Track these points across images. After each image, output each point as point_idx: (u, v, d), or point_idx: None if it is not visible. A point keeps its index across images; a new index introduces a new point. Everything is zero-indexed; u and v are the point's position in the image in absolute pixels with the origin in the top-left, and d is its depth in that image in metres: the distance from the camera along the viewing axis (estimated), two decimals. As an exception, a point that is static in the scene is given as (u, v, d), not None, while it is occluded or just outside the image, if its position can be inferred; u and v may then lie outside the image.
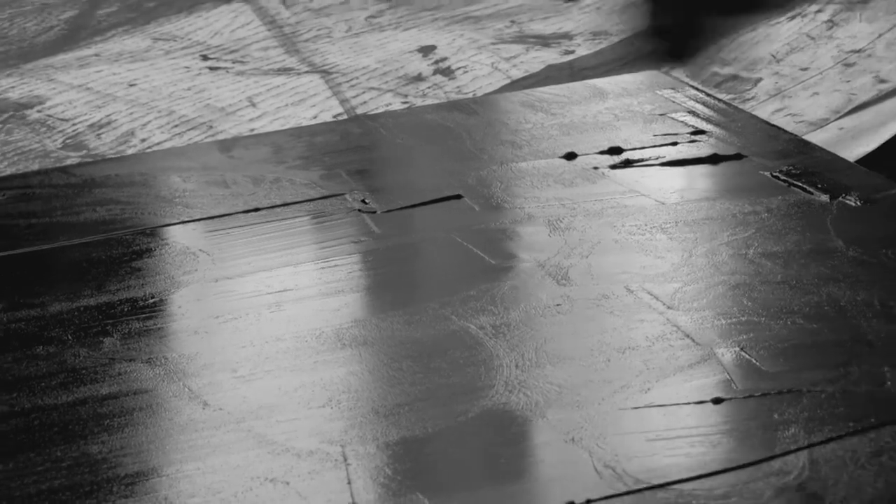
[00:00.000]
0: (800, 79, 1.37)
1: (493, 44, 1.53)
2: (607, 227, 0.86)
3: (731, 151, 0.95)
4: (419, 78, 1.46)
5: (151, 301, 0.81)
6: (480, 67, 1.46)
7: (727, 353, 0.72)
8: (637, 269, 0.81)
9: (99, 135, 1.38)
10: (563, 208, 0.89)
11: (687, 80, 1.23)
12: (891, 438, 0.65)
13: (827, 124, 1.23)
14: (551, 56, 1.49)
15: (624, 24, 1.58)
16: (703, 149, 0.96)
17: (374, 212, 0.90)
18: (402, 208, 0.91)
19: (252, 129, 1.36)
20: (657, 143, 0.98)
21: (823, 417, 0.66)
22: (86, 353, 0.76)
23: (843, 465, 0.63)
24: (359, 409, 0.70)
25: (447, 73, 1.46)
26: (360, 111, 1.38)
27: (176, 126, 1.38)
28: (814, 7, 1.51)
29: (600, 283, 0.80)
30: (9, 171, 1.29)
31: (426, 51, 1.53)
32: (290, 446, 0.67)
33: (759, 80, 1.38)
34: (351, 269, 0.84)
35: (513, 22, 1.60)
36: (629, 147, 0.97)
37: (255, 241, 0.88)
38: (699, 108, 1.03)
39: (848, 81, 1.33)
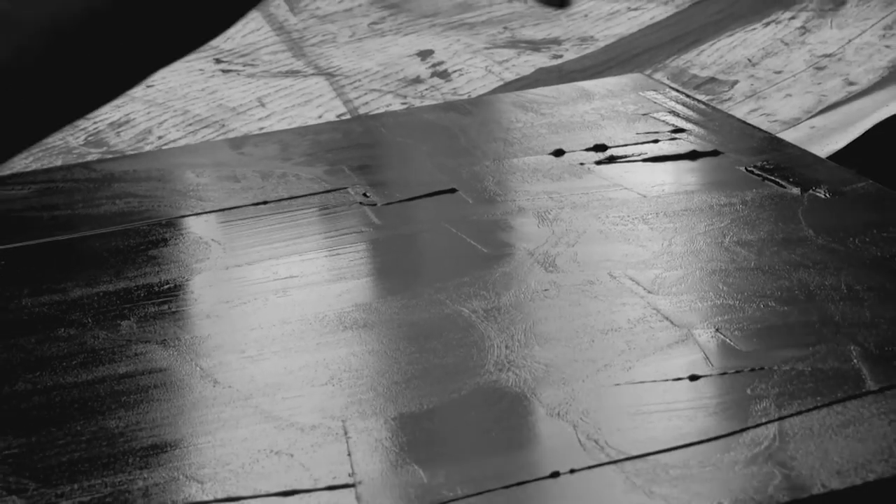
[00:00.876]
0: (774, 81, 1.37)
1: (486, 48, 1.53)
2: (592, 219, 0.86)
3: (709, 148, 0.95)
4: (418, 80, 1.46)
5: (166, 287, 0.81)
6: (475, 70, 1.46)
7: (704, 334, 0.72)
8: (620, 257, 0.81)
9: (118, 132, 1.38)
10: (552, 201, 0.89)
11: (668, 82, 1.23)
12: (856, 412, 0.65)
13: (799, 123, 1.23)
14: (541, 60, 1.49)
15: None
16: (682, 146, 0.96)
17: (375, 204, 0.90)
18: (400, 201, 0.91)
19: (261, 128, 1.36)
20: (640, 141, 0.98)
21: (793, 392, 0.66)
22: (104, 335, 0.76)
23: (811, 436, 0.63)
24: (359, 387, 0.70)
25: (444, 75, 1.47)
26: (362, 111, 1.38)
27: (190, 125, 1.38)
28: (788, 14, 1.51)
29: (585, 269, 0.80)
30: (34, 167, 1.29)
31: (424, 55, 1.53)
32: (294, 421, 0.67)
33: (736, 82, 1.38)
34: (353, 258, 0.84)
35: (505, 28, 1.60)
36: (613, 144, 0.97)
37: (264, 231, 0.88)
38: (679, 108, 1.03)
39: (819, 84, 1.33)
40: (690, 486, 0.60)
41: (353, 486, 0.61)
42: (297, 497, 0.61)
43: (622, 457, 0.62)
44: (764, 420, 0.64)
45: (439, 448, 0.64)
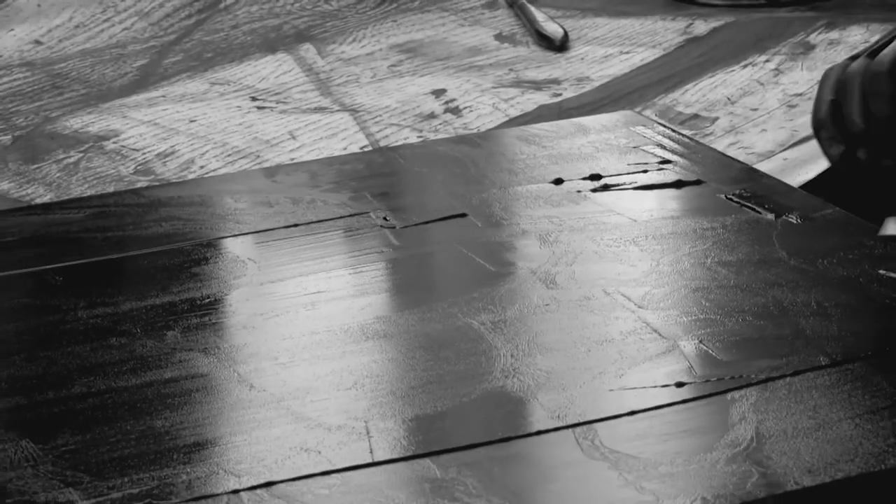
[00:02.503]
0: (750, 118, 1.37)
1: (493, 88, 1.53)
2: (588, 241, 0.86)
3: (693, 178, 0.95)
4: (432, 116, 1.46)
5: (207, 300, 0.81)
6: (483, 107, 1.46)
7: (688, 345, 0.72)
8: (613, 276, 0.81)
9: (164, 162, 1.38)
10: (552, 225, 0.89)
11: (656, 118, 1.23)
12: (825, 416, 0.65)
13: (773, 156, 1.23)
14: (542, 98, 1.49)
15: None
16: (669, 175, 0.96)
17: (394, 227, 0.90)
18: (417, 224, 0.91)
19: (292, 158, 1.36)
20: (631, 171, 0.98)
21: (768, 398, 0.66)
22: (152, 344, 0.76)
23: (785, 438, 0.63)
24: (380, 391, 0.70)
25: (455, 112, 1.47)
26: (382, 143, 1.38)
27: (229, 155, 1.38)
28: (763, 57, 1.51)
29: (582, 286, 0.80)
30: (89, 193, 1.29)
31: (438, 93, 1.53)
32: (322, 422, 0.67)
33: (717, 118, 1.37)
34: (374, 275, 0.84)
35: (511, 70, 1.60)
36: (607, 174, 0.97)
37: (294, 251, 0.88)
38: (666, 141, 1.03)
39: (791, 120, 1.33)
40: (676, 483, 0.60)
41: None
42: (323, 477, 0.61)
43: (615, 456, 0.62)
44: (742, 423, 0.64)
45: (451, 445, 0.64)
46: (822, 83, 0.80)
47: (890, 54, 0.75)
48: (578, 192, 0.94)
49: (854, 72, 0.77)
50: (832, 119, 0.78)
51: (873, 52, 0.78)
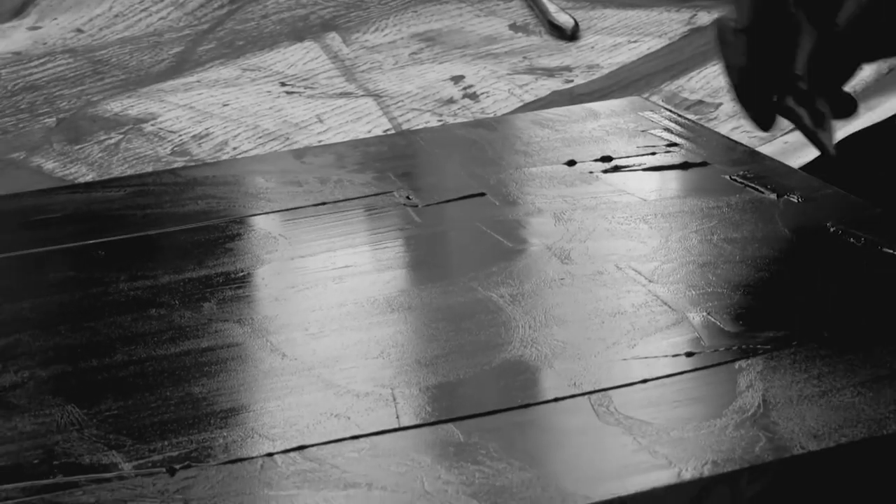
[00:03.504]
0: (752, 103, 1.36)
1: (509, 74, 1.52)
2: (600, 219, 0.85)
3: (699, 160, 0.94)
4: (451, 101, 1.45)
5: (241, 274, 0.81)
6: (499, 93, 1.46)
7: (696, 317, 0.71)
8: (624, 252, 0.80)
9: (199, 144, 1.38)
10: (566, 204, 0.88)
11: (663, 104, 1.22)
12: (829, 384, 0.64)
13: (774, 139, 1.22)
14: (555, 84, 1.48)
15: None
16: (676, 158, 0.95)
17: (416, 206, 0.89)
18: (437, 203, 0.90)
19: (320, 141, 1.35)
20: (640, 153, 0.97)
21: (774, 367, 0.66)
22: (189, 315, 0.75)
23: (790, 404, 0.62)
24: (405, 360, 0.69)
25: (473, 97, 1.46)
26: (404, 127, 1.37)
27: (260, 138, 1.38)
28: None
29: (595, 262, 0.79)
30: (129, 172, 1.29)
31: (456, 80, 1.52)
32: (350, 389, 0.66)
33: (720, 104, 1.36)
34: (398, 251, 0.83)
35: (525, 58, 1.60)
36: (617, 156, 0.96)
37: (322, 228, 0.87)
38: (672, 125, 1.02)
39: (790, 105, 1.31)
40: (687, 447, 0.59)
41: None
42: (352, 441, 0.61)
43: (629, 421, 0.62)
44: (749, 391, 0.64)
45: (472, 411, 0.64)
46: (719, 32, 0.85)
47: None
48: (590, 172, 0.93)
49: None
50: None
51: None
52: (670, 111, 1.06)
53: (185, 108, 1.47)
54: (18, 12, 1.86)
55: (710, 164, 0.94)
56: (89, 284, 0.80)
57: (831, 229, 0.81)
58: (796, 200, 0.86)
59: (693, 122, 1.05)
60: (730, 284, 0.75)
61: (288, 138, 1.38)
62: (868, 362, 0.65)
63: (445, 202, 0.90)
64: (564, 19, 1.67)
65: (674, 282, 0.76)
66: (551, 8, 1.72)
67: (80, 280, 0.81)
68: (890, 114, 1.21)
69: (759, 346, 0.68)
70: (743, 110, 0.87)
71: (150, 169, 1.28)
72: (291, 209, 0.90)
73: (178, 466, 0.60)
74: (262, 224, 0.89)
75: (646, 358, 0.67)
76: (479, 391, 0.66)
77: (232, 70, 1.60)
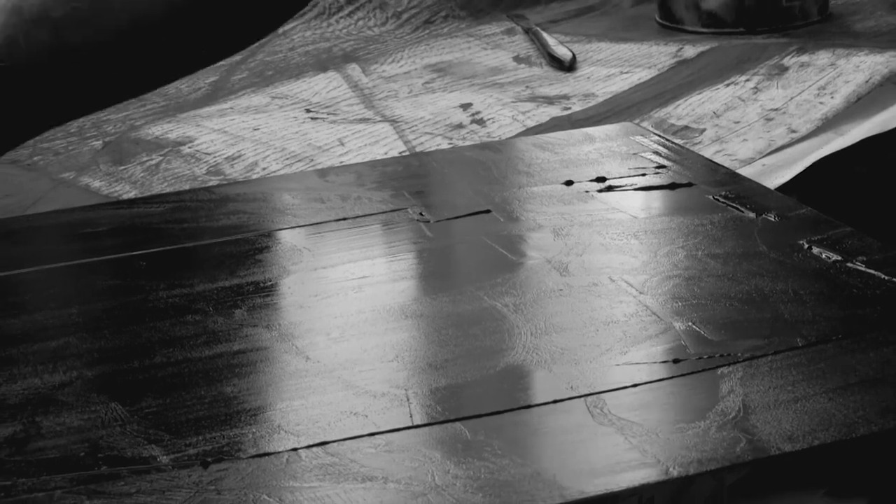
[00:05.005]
0: (733, 129, 1.36)
1: (513, 102, 1.51)
2: (595, 234, 0.85)
3: (685, 181, 0.94)
4: (460, 126, 1.44)
5: (269, 283, 0.80)
6: (504, 119, 1.45)
7: (682, 326, 0.71)
8: (617, 265, 0.80)
9: (232, 164, 1.37)
10: (564, 220, 0.87)
11: (652, 129, 1.22)
12: (803, 391, 0.63)
13: (753, 162, 1.21)
14: (555, 111, 1.47)
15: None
16: (664, 178, 0.95)
17: (428, 221, 0.89)
18: (447, 219, 0.90)
19: (341, 162, 1.35)
20: (631, 174, 0.96)
21: (753, 374, 0.65)
22: (222, 321, 0.75)
23: (768, 409, 0.62)
24: (418, 363, 0.69)
25: (480, 122, 1.45)
26: (418, 149, 1.37)
27: (287, 159, 1.38)
28: (743, 77, 1.50)
29: (591, 274, 0.79)
30: (168, 190, 1.29)
31: (465, 107, 1.51)
32: (368, 389, 0.66)
33: (704, 129, 1.36)
34: (411, 263, 0.83)
35: (527, 87, 1.59)
36: (611, 177, 0.96)
37: (343, 241, 0.87)
38: (661, 149, 1.02)
39: (768, 131, 1.31)
40: (674, 447, 0.59)
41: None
42: (369, 438, 0.60)
43: (621, 422, 0.61)
44: (731, 396, 0.63)
45: (478, 411, 0.63)
46: None
47: None
48: (586, 192, 0.93)
49: None
50: None
51: None
52: (659, 136, 1.06)
53: (219, 132, 1.47)
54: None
55: (695, 184, 0.93)
56: (131, 292, 0.80)
57: (805, 246, 0.80)
58: (773, 219, 0.86)
59: (679, 146, 1.05)
60: (712, 296, 0.74)
61: (312, 159, 1.37)
62: (838, 371, 0.65)
63: (455, 218, 0.90)
64: (563, 52, 1.67)
65: (662, 293, 0.75)
66: (551, 42, 1.71)
67: (123, 288, 0.81)
68: (859, 138, 1.21)
69: (739, 355, 0.67)
70: None
71: (187, 187, 1.28)
72: (315, 224, 0.90)
73: (210, 460, 0.60)
74: (289, 237, 0.88)
75: (637, 364, 0.67)
76: (485, 393, 0.66)
77: (262, 98, 1.60)
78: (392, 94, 1.58)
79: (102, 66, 0.68)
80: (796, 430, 0.60)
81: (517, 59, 1.71)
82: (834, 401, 0.62)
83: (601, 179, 0.95)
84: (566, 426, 0.62)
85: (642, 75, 1.61)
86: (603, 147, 1.03)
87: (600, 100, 1.52)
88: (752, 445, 0.59)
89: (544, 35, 1.76)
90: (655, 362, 0.67)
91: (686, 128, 1.39)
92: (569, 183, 0.95)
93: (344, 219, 0.91)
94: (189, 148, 1.42)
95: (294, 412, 0.64)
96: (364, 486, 0.58)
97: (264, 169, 1.36)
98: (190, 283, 0.80)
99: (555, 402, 0.64)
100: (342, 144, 1.41)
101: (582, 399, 0.64)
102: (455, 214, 0.90)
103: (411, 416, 0.63)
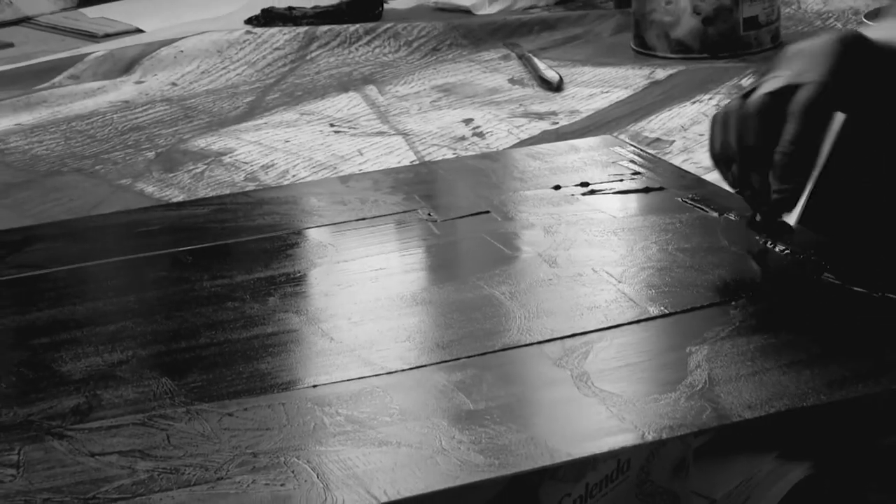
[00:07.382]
0: (699, 141, 1.36)
1: (508, 118, 1.51)
2: (580, 232, 0.84)
3: (657, 185, 0.93)
4: (463, 138, 1.44)
5: (299, 275, 0.80)
6: (501, 132, 1.45)
7: (655, 311, 0.70)
8: (598, 258, 0.79)
9: (266, 172, 1.37)
10: (553, 219, 0.87)
11: (629, 141, 1.21)
12: (760, 365, 0.63)
13: (715, 170, 1.20)
14: (544, 125, 1.47)
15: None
16: (639, 183, 0.94)
17: (436, 221, 0.88)
18: (452, 219, 0.89)
19: (360, 169, 1.34)
20: (611, 180, 0.96)
21: (717, 351, 0.65)
22: (257, 307, 0.75)
23: (730, 381, 0.61)
24: (426, 343, 0.68)
25: (480, 135, 1.45)
26: (426, 159, 1.36)
27: (314, 167, 1.37)
28: (707, 96, 1.49)
29: (576, 266, 0.78)
30: (211, 194, 1.28)
31: (467, 122, 1.51)
32: (384, 366, 0.65)
33: (673, 141, 1.35)
34: (421, 256, 0.82)
35: (520, 105, 1.59)
36: (593, 182, 0.95)
37: (362, 238, 0.86)
38: (636, 158, 1.01)
39: (729, 142, 1.31)
40: (649, 415, 0.59)
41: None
42: (386, 409, 0.60)
43: (603, 394, 0.61)
44: (698, 370, 0.63)
45: (479, 385, 0.63)
46: (712, 123, 0.79)
47: (755, 97, 0.73)
48: (572, 195, 0.92)
49: (732, 109, 0.75)
50: (723, 152, 0.77)
51: (747, 94, 0.76)
52: (634, 147, 1.05)
53: (255, 144, 1.47)
54: (127, 70, 1.86)
55: (666, 188, 0.93)
56: (179, 282, 0.80)
57: (761, 241, 0.80)
58: (734, 218, 0.85)
59: (652, 155, 1.04)
60: (682, 285, 0.74)
61: (335, 168, 1.37)
62: (790, 349, 0.64)
63: (458, 218, 0.89)
64: (551, 75, 1.67)
65: (638, 282, 0.75)
66: (541, 66, 1.71)
67: (172, 279, 0.81)
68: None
69: (705, 335, 0.66)
70: (722, 174, 0.80)
71: (227, 192, 1.28)
72: (338, 223, 0.90)
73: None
74: (315, 235, 0.88)
75: (617, 342, 0.66)
76: (486, 369, 0.65)
77: (292, 114, 1.60)
78: (404, 110, 1.58)
79: None
80: (755, 400, 0.59)
81: (512, 80, 1.70)
82: (788, 374, 0.62)
83: (585, 184, 0.95)
84: (556, 398, 0.61)
85: (620, 94, 1.60)
86: (586, 156, 1.02)
87: (584, 116, 1.51)
88: (716, 413, 0.58)
89: (535, 60, 1.75)
90: (632, 342, 0.66)
91: (658, 140, 1.38)
92: (557, 187, 0.95)
93: (363, 219, 0.90)
94: (229, 158, 1.42)
95: (320, 386, 0.64)
96: (381, 450, 0.57)
97: (294, 176, 1.36)
98: (230, 275, 0.80)
99: (546, 377, 0.63)
100: (361, 154, 1.40)
101: (569, 373, 0.63)
102: (459, 215, 0.90)
103: (422, 389, 0.62)
